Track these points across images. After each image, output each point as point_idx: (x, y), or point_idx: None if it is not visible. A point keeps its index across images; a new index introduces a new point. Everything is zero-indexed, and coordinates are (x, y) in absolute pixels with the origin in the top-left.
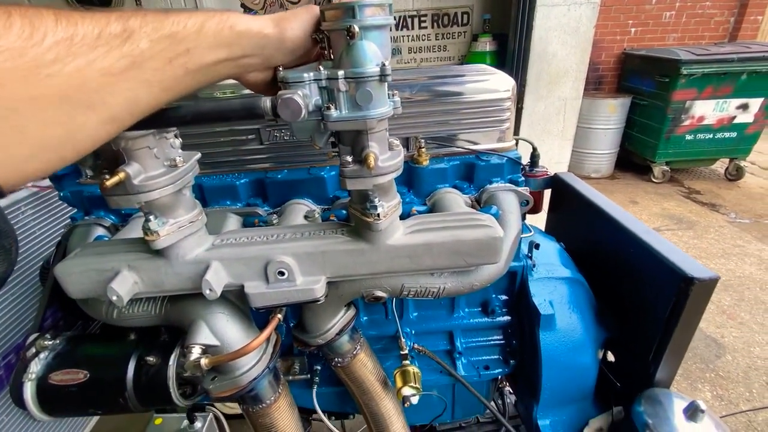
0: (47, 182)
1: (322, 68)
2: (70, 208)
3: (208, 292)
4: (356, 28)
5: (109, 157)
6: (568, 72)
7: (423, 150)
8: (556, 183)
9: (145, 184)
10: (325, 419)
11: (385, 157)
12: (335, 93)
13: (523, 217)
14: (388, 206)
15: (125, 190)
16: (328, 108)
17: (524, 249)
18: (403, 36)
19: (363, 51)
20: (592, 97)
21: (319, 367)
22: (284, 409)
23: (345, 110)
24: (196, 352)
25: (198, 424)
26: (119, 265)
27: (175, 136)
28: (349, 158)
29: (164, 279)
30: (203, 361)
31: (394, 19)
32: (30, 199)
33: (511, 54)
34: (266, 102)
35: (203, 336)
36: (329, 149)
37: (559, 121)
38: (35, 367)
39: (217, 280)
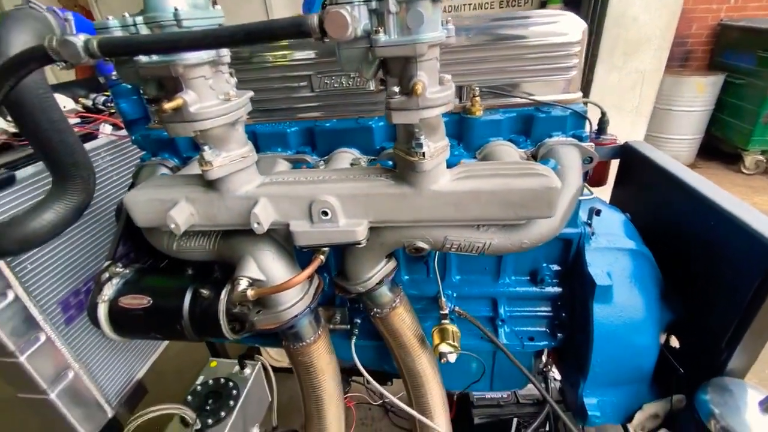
0: (123, 132)
1: None
2: (141, 153)
3: (255, 225)
4: None
5: (170, 86)
6: (650, 40)
7: (477, 99)
8: (626, 152)
9: (200, 112)
10: (363, 370)
11: (435, 90)
12: (385, 15)
13: (586, 180)
14: (434, 147)
15: (182, 117)
16: (377, 32)
17: (583, 216)
18: (464, 4)
19: None
20: (677, 74)
21: (359, 321)
22: (323, 351)
23: (394, 34)
24: (243, 283)
25: (247, 371)
26: (178, 196)
27: (231, 74)
28: (396, 89)
29: (217, 213)
30: (249, 292)
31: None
32: (108, 146)
33: (584, 18)
34: (314, 18)
35: (251, 270)
36: (377, 84)
37: (634, 95)
38: (108, 291)
39: (264, 215)
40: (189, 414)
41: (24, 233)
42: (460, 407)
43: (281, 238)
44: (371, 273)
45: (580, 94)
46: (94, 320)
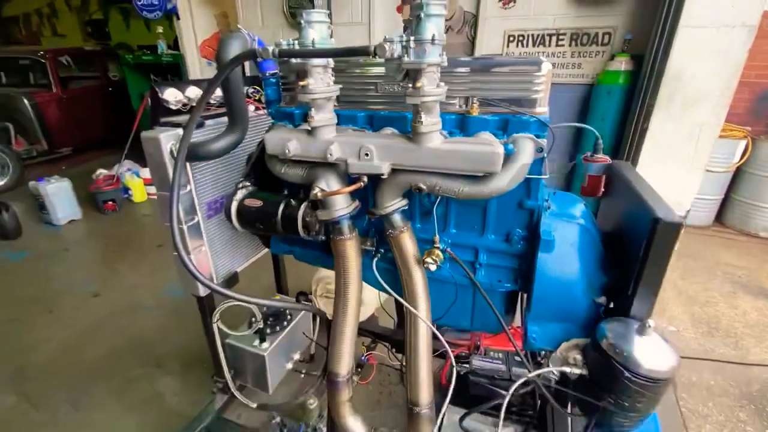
0: (259, 112)
1: (403, 34)
2: (272, 121)
3: (329, 156)
4: (422, 15)
5: (302, 76)
6: (709, 96)
7: (475, 106)
8: (611, 169)
9: (313, 89)
10: (382, 281)
11: (431, 88)
12: (408, 48)
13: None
14: (429, 120)
15: (305, 91)
16: (403, 56)
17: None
18: (537, 52)
19: (424, 27)
20: None
21: (383, 250)
22: (353, 247)
23: (412, 57)
24: (317, 189)
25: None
26: (292, 135)
27: (332, 75)
28: (410, 85)
29: (310, 148)
30: (319, 194)
31: (533, 37)
32: (253, 116)
33: (644, 73)
34: (372, 46)
35: (322, 184)
36: (403, 82)
37: (690, 146)
38: (239, 195)
39: (335, 152)
40: (257, 314)
41: (207, 150)
42: (459, 383)
43: (341, 170)
44: (390, 203)
45: (546, 109)
46: (228, 213)
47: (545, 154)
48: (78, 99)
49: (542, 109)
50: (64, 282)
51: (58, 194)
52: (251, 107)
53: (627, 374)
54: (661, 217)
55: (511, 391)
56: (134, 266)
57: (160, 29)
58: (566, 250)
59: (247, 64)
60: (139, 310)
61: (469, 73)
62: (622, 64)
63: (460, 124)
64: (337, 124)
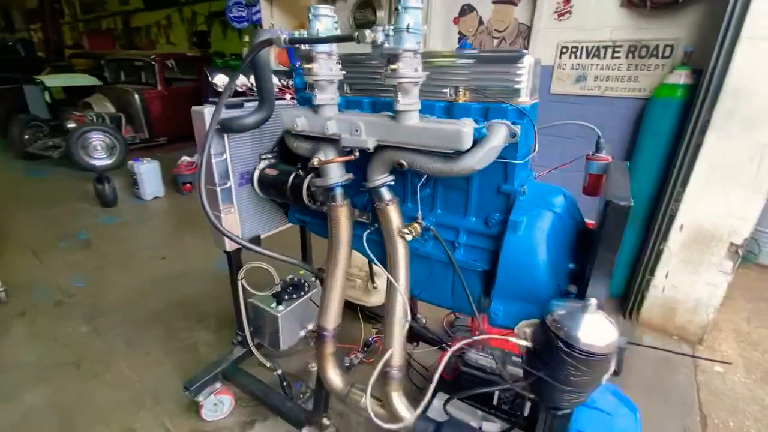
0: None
1: (387, 25)
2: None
3: (326, 130)
4: (401, 7)
5: (309, 61)
6: None
7: (461, 94)
8: (608, 168)
9: (317, 72)
10: (368, 250)
11: (407, 71)
12: (390, 37)
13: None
14: (406, 100)
15: (309, 73)
16: (385, 43)
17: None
18: (591, 64)
19: (402, 18)
20: None
21: (376, 225)
22: (344, 214)
23: (392, 44)
24: (315, 160)
25: (318, 283)
26: (301, 113)
27: (337, 62)
28: (388, 69)
29: (314, 124)
30: (317, 163)
31: (587, 49)
32: (289, 104)
33: (702, 87)
34: (359, 33)
35: (321, 155)
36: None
37: (751, 168)
38: (261, 165)
39: (331, 127)
40: (276, 279)
41: (239, 124)
42: (456, 376)
43: (339, 146)
44: (378, 177)
45: (529, 99)
46: (251, 178)
47: (518, 139)
48: (177, 96)
49: (524, 99)
50: (141, 244)
51: (148, 174)
52: (287, 96)
53: (561, 345)
54: (611, 200)
55: (498, 388)
56: (196, 239)
57: (246, 38)
58: (533, 234)
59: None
60: (192, 275)
61: (458, 66)
62: (681, 77)
63: (447, 111)
64: (347, 108)
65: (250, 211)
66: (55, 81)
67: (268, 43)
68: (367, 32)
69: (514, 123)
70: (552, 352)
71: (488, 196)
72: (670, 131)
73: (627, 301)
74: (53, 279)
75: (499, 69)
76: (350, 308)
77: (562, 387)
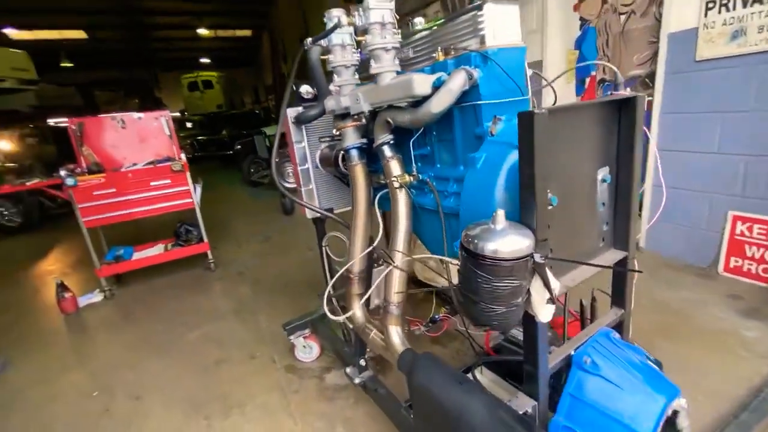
0: None
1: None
2: None
3: (342, 105)
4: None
5: (327, 53)
6: None
7: (440, 53)
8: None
9: (332, 61)
10: (376, 205)
11: (374, 40)
12: (361, 16)
13: None
14: (377, 65)
15: (330, 62)
16: (357, 22)
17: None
18: (751, 14)
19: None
20: None
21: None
22: (361, 172)
23: (362, 21)
24: (335, 129)
25: None
26: (332, 97)
27: (352, 51)
28: (362, 40)
29: (338, 102)
30: (335, 130)
31: None
32: None
33: None
34: (339, 21)
35: (340, 125)
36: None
37: None
38: (322, 146)
39: (344, 101)
40: None
41: (306, 116)
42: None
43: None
44: (380, 137)
45: (497, 42)
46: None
47: (478, 81)
48: None
49: (494, 43)
50: (300, 241)
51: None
52: None
53: (466, 255)
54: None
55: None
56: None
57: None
58: (491, 169)
59: None
60: None
61: (435, 31)
62: None
63: (433, 71)
64: None
65: (325, 188)
66: (271, 130)
67: (303, 46)
68: (345, 19)
69: (475, 67)
70: (464, 266)
71: (469, 143)
72: None
73: None
74: (242, 259)
75: (464, 23)
76: (421, 284)
77: (474, 298)
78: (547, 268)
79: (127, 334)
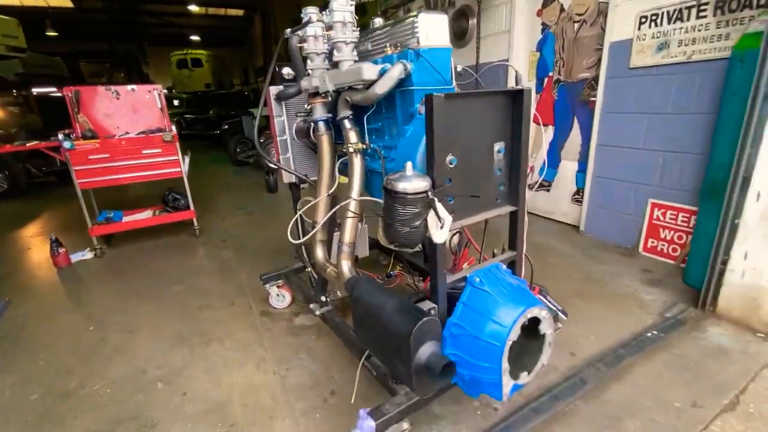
0: None
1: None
2: None
3: (312, 85)
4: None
5: (303, 41)
6: None
7: (389, 49)
8: None
9: (306, 48)
10: (337, 169)
11: (336, 34)
12: (327, 16)
13: None
14: (339, 54)
15: (305, 50)
16: (325, 19)
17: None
18: (674, 29)
19: (332, 1)
20: None
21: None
22: (326, 140)
23: (328, 19)
24: (307, 104)
25: None
26: (307, 78)
27: (324, 42)
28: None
29: (309, 83)
30: (307, 105)
31: (668, 14)
32: None
33: None
34: (308, 19)
35: (311, 100)
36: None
37: None
38: (298, 119)
39: (314, 81)
40: None
41: (285, 93)
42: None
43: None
44: (342, 112)
45: (430, 43)
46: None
47: (411, 71)
48: None
49: (426, 43)
50: (282, 214)
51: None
52: None
53: (385, 192)
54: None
55: None
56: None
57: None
58: (416, 138)
59: None
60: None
61: (388, 30)
62: (764, 24)
63: (383, 61)
64: None
65: (300, 158)
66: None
67: (285, 36)
68: (316, 16)
69: (410, 61)
70: (385, 200)
71: (406, 119)
72: (748, 90)
73: (707, 290)
74: (225, 229)
75: (406, 26)
76: (387, 252)
77: (390, 222)
78: (438, 203)
79: (118, 285)
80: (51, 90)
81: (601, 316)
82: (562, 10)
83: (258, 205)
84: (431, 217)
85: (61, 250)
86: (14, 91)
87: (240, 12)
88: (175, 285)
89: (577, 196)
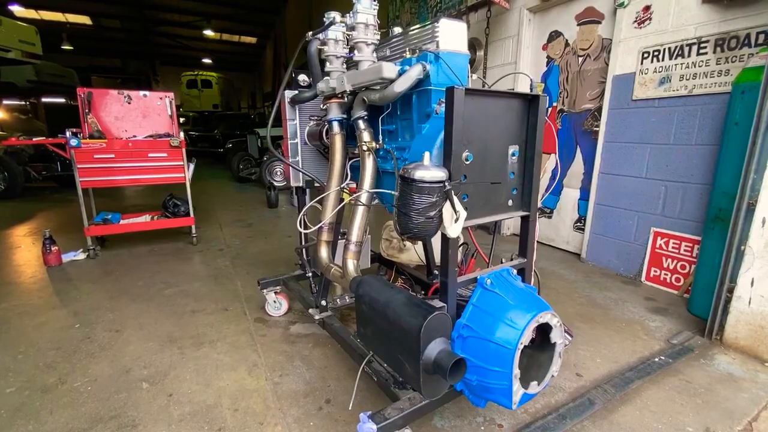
0: None
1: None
2: None
3: (330, 86)
4: (355, 1)
5: (322, 44)
6: None
7: (407, 52)
8: None
9: (326, 51)
10: (348, 168)
11: (359, 35)
12: (351, 18)
13: None
14: (359, 54)
15: (324, 53)
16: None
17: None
18: (675, 65)
19: (355, 7)
20: None
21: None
22: (338, 140)
23: (351, 20)
24: (323, 104)
25: None
26: (324, 81)
27: (343, 47)
28: (350, 35)
29: (326, 85)
30: (323, 105)
31: (669, 50)
32: None
33: None
34: (332, 20)
35: (332, 100)
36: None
37: None
38: (311, 123)
39: (331, 83)
40: None
41: (297, 98)
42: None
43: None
44: (357, 112)
45: (449, 47)
46: (305, 132)
47: (429, 72)
48: None
49: (445, 47)
50: (281, 229)
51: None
52: None
53: (401, 180)
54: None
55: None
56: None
57: None
58: (432, 134)
59: None
60: None
61: (409, 35)
62: (764, 59)
63: (402, 65)
64: None
65: (309, 162)
66: (264, 131)
67: (304, 44)
68: (339, 18)
69: (429, 62)
70: (401, 189)
71: (422, 118)
72: (751, 120)
73: (713, 318)
74: (223, 239)
75: (426, 31)
76: (388, 265)
77: (404, 211)
78: (454, 195)
79: (108, 285)
80: (60, 101)
81: (606, 339)
82: (566, 44)
83: (258, 218)
84: (446, 209)
85: (54, 248)
86: (25, 101)
87: (253, 40)
88: (167, 288)
89: (579, 224)
